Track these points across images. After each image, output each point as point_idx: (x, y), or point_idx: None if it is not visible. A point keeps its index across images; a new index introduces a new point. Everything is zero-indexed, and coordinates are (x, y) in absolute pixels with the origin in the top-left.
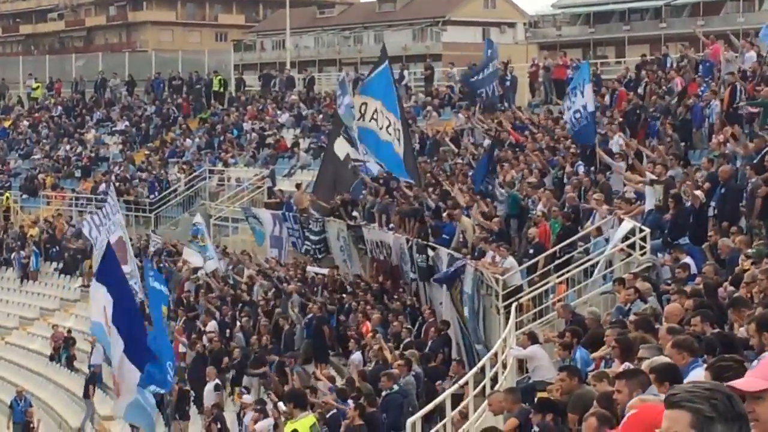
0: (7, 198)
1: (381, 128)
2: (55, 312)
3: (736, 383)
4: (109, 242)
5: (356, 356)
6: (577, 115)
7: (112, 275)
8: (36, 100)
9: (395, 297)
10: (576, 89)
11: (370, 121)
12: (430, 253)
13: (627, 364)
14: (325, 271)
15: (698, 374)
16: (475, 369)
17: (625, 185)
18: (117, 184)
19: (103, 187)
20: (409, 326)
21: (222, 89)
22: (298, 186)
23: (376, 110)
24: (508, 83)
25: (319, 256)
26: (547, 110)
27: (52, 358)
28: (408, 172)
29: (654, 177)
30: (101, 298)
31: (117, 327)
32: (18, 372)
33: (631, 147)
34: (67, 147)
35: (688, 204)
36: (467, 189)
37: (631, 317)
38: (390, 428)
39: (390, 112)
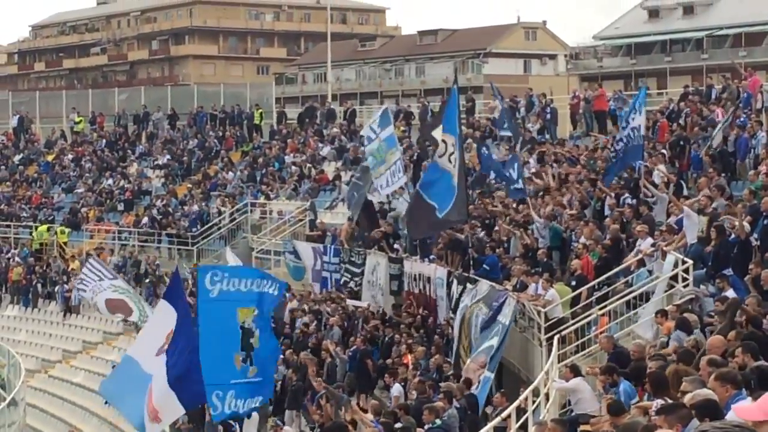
0: (62, 232)
1: (443, 155)
2: (98, 345)
3: None
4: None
5: (396, 388)
6: (636, 132)
7: (179, 298)
8: (79, 133)
9: (436, 330)
10: (636, 109)
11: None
12: (469, 285)
13: (658, 402)
14: (364, 304)
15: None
16: (517, 402)
17: (668, 216)
18: (159, 217)
19: (145, 220)
20: (450, 360)
21: (260, 122)
22: (350, 219)
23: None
24: (548, 116)
25: (356, 289)
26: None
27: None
28: (454, 208)
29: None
30: (166, 320)
31: (168, 356)
32: (62, 406)
33: (671, 179)
34: (110, 180)
35: (731, 236)
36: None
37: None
38: None
39: (450, 135)
